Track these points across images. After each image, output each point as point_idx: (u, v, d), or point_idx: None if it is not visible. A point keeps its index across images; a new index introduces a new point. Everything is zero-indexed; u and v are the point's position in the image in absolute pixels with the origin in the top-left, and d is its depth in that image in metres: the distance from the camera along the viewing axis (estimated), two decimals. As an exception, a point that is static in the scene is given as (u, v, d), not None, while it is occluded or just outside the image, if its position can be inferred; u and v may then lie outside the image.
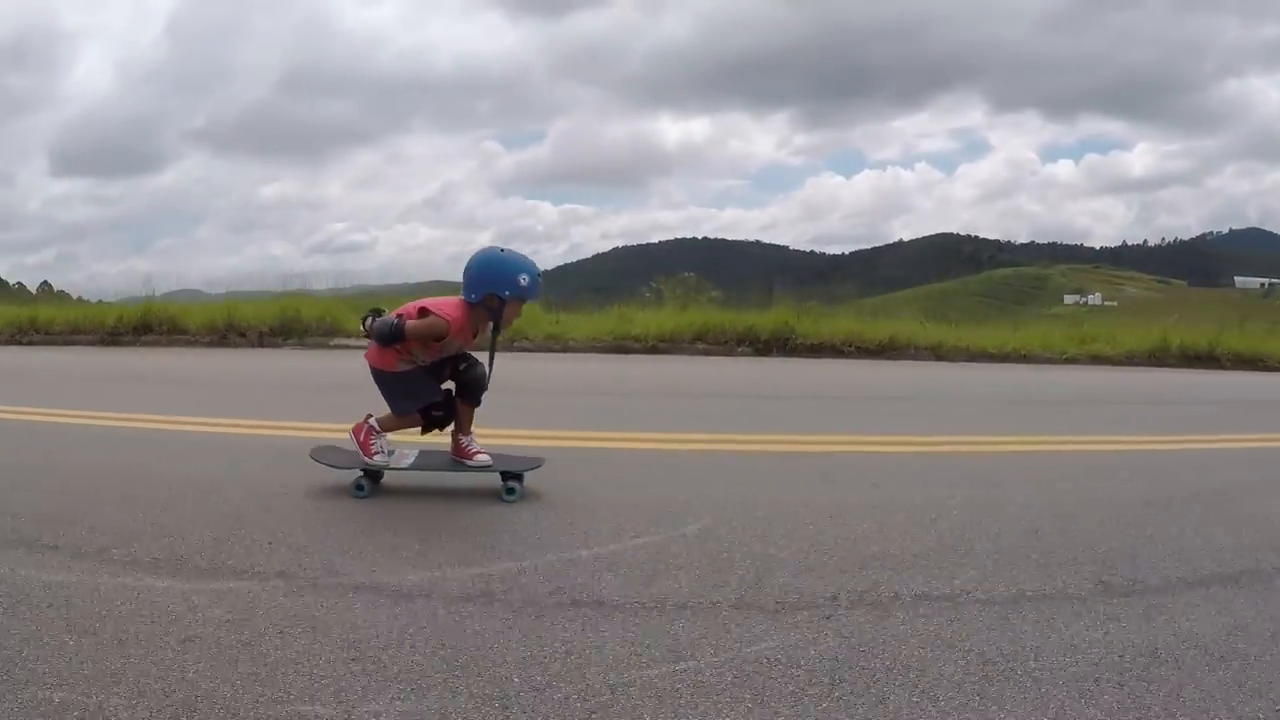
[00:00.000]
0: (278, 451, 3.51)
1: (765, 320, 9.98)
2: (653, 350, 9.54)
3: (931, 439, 4.21)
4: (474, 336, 2.87)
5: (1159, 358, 10.29)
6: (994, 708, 1.42)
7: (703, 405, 5.59)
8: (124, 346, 9.51)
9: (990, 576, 2.11)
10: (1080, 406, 6.33)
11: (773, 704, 1.42)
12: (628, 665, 1.57)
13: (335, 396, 4.86)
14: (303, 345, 9.42)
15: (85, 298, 13.82)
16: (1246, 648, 1.71)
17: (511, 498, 2.78)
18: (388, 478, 2.96)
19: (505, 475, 2.84)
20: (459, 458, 2.92)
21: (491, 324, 2.82)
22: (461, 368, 2.87)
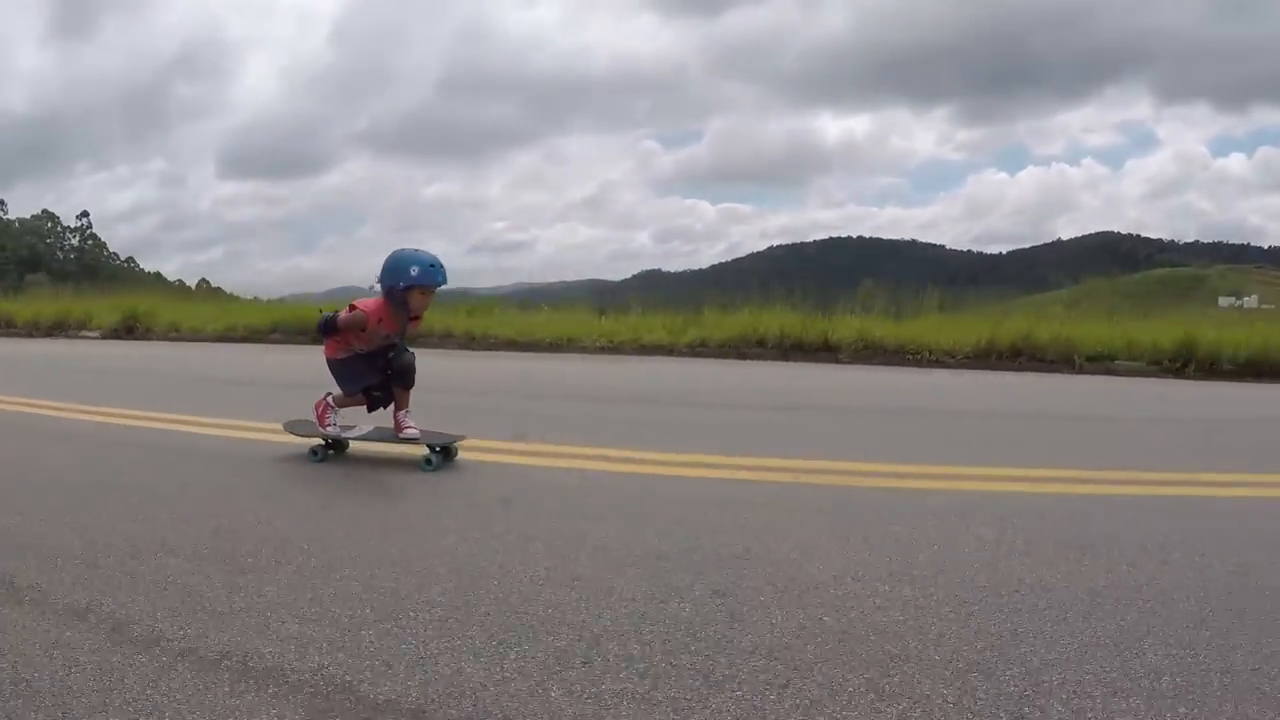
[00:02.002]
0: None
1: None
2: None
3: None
4: (398, 326, 3.36)
5: (698, 346, 9.24)
6: None
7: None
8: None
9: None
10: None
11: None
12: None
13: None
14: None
15: (246, 295, 15.63)
16: None
17: (429, 467, 3.23)
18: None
19: (430, 447, 3.34)
20: (397, 430, 3.44)
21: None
22: (391, 355, 3.38)
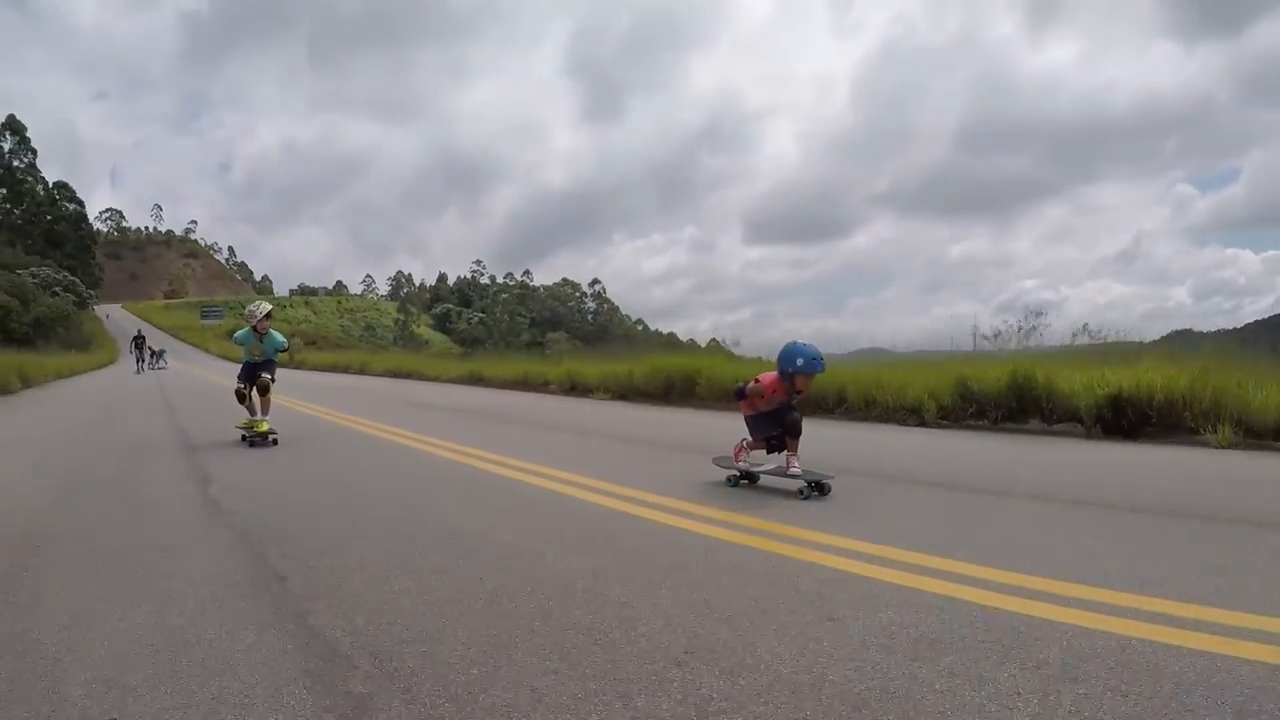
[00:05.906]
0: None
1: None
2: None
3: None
4: (788, 396, 4.68)
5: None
6: None
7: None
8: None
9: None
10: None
11: None
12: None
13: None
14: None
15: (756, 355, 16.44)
16: None
17: (802, 497, 4.44)
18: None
19: (807, 482, 4.55)
20: (787, 468, 4.75)
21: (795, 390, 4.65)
22: (784, 415, 4.73)
